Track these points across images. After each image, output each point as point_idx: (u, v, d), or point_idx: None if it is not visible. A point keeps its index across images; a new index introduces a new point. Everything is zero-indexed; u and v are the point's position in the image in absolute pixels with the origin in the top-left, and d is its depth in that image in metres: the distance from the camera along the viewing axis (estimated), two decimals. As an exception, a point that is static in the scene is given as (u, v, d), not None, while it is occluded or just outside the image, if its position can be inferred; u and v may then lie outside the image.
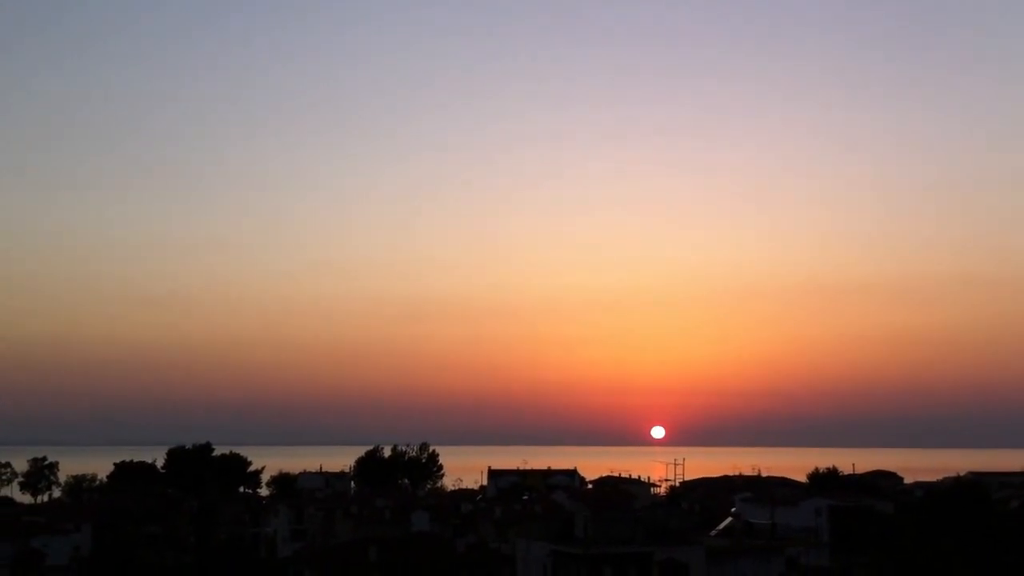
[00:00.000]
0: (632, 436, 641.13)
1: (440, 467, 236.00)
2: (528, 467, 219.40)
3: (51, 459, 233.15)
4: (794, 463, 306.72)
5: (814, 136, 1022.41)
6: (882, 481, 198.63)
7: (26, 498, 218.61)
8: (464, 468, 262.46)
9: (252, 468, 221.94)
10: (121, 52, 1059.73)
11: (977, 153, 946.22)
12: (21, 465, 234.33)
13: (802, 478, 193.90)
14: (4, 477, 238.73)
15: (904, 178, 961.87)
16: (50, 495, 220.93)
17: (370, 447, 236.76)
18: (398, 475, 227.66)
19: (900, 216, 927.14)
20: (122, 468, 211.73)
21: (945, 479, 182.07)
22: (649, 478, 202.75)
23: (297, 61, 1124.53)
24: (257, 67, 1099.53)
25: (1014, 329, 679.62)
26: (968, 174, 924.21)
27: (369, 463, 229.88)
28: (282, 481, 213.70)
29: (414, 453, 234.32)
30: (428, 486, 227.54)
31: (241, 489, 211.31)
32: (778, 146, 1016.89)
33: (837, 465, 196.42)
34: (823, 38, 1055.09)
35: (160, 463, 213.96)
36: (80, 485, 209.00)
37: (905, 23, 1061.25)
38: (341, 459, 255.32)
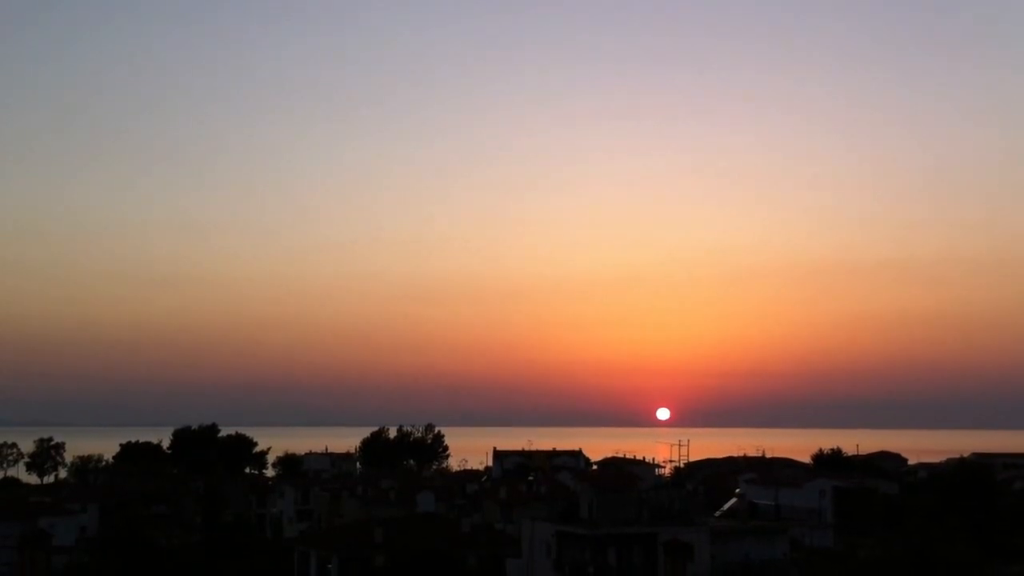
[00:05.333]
0: (637, 417, 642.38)
1: (445, 448, 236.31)
2: (533, 448, 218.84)
3: (57, 440, 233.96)
4: (798, 444, 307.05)
5: (812, 121, 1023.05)
6: (886, 462, 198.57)
7: (32, 479, 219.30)
8: (469, 449, 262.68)
9: (258, 449, 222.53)
10: (135, 34, 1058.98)
11: (973, 136, 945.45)
12: (27, 446, 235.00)
13: (806, 459, 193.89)
14: (10, 458, 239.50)
15: (901, 161, 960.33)
16: (56, 476, 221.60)
17: (376, 428, 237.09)
18: (404, 456, 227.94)
19: (899, 199, 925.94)
20: (128, 449, 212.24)
21: (949, 460, 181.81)
22: (654, 459, 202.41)
23: (311, 42, 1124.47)
24: (270, 48, 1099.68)
25: (1017, 310, 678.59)
26: (965, 157, 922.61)
27: (375, 444, 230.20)
28: (288, 462, 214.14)
29: (419, 434, 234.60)
30: (433, 467, 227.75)
31: (247, 470, 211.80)
32: (778, 130, 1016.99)
33: (841, 446, 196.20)
34: (821, 23, 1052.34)
35: (166, 444, 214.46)
36: (86, 466, 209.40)
37: (902, 8, 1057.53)
38: (347, 440, 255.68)
